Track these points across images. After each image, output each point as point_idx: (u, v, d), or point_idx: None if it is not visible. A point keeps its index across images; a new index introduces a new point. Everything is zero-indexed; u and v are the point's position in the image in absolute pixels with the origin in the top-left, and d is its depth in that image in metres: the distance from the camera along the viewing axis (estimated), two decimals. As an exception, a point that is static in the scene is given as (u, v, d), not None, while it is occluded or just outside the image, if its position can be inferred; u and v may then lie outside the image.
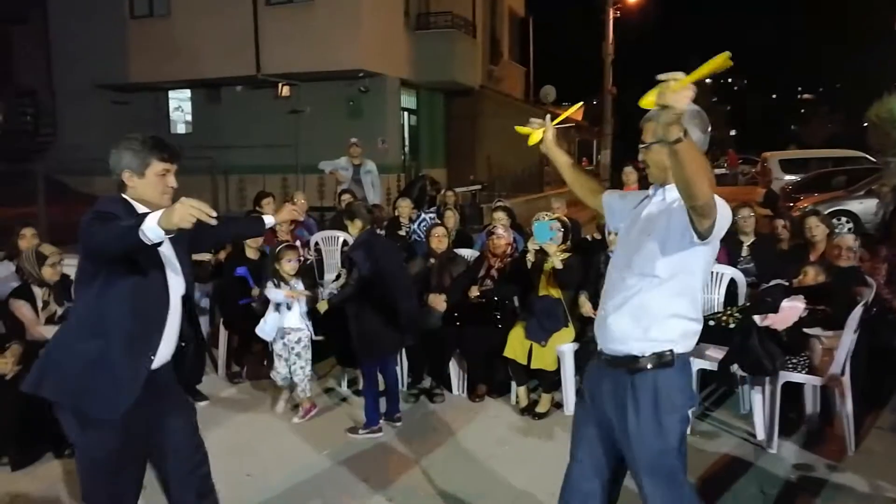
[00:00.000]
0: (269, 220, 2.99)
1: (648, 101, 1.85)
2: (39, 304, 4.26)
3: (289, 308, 4.57)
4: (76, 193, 12.44)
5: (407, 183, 9.87)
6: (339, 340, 4.79)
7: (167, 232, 1.99)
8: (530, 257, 4.72)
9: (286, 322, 4.58)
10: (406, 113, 17.83)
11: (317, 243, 6.99)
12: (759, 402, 4.02)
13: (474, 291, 4.90)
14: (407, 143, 17.97)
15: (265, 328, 4.61)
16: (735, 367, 3.98)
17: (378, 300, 4.23)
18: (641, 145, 2.27)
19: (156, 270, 2.37)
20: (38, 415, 3.90)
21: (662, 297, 2.18)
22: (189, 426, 2.60)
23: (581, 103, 2.86)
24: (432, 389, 4.94)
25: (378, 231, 5.10)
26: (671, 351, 2.20)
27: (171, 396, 2.53)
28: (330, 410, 4.76)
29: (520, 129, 2.71)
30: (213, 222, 2.02)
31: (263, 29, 15.41)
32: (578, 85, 29.43)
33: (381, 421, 4.34)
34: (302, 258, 5.15)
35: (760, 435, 4.02)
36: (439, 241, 5.18)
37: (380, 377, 4.43)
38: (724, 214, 2.05)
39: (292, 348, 4.59)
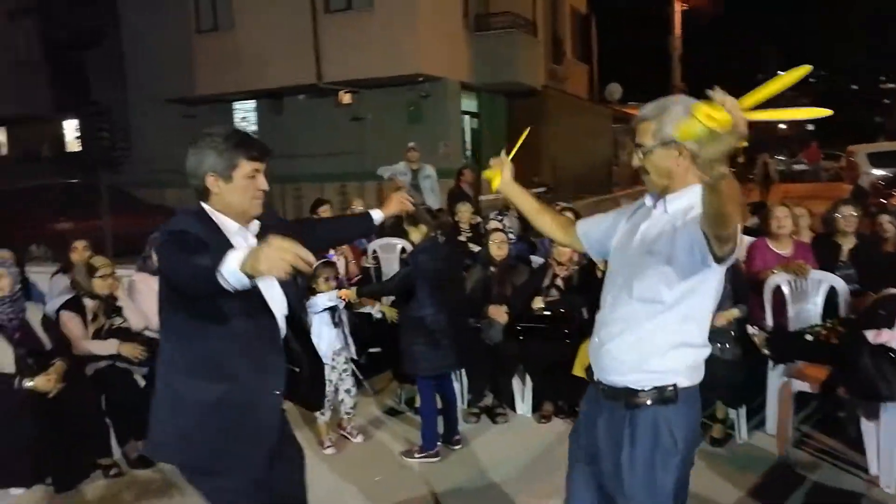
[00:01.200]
0: (377, 214, 2.59)
1: (688, 130, 1.48)
2: (89, 317, 4.17)
3: (335, 323, 4.16)
4: (146, 206, 12.69)
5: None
6: (395, 353, 4.49)
7: (251, 278, 1.64)
8: (601, 265, 4.30)
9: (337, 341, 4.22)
10: (467, 116, 17.55)
11: (374, 251, 6.75)
12: (871, 431, 3.47)
13: (538, 302, 4.52)
14: (469, 146, 17.69)
15: (321, 348, 4.20)
16: (841, 390, 3.47)
17: (430, 314, 3.93)
18: (640, 148, 1.96)
19: (250, 291, 1.92)
20: (84, 434, 3.79)
21: (667, 325, 1.93)
22: (297, 475, 2.31)
23: (528, 128, 2.70)
24: (494, 408, 4.59)
25: (441, 239, 4.75)
26: (674, 386, 1.94)
27: (280, 437, 2.20)
28: (385, 430, 4.47)
29: (486, 174, 2.46)
30: (309, 270, 1.71)
31: (323, 37, 15.44)
32: (645, 81, 28.52)
33: (438, 444, 4.02)
34: (349, 275, 4.88)
35: (874, 469, 3.48)
36: (499, 248, 4.82)
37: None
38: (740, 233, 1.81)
39: (344, 370, 4.24)
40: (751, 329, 4.13)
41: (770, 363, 3.99)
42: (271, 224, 2.17)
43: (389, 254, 6.77)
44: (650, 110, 1.94)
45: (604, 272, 4.23)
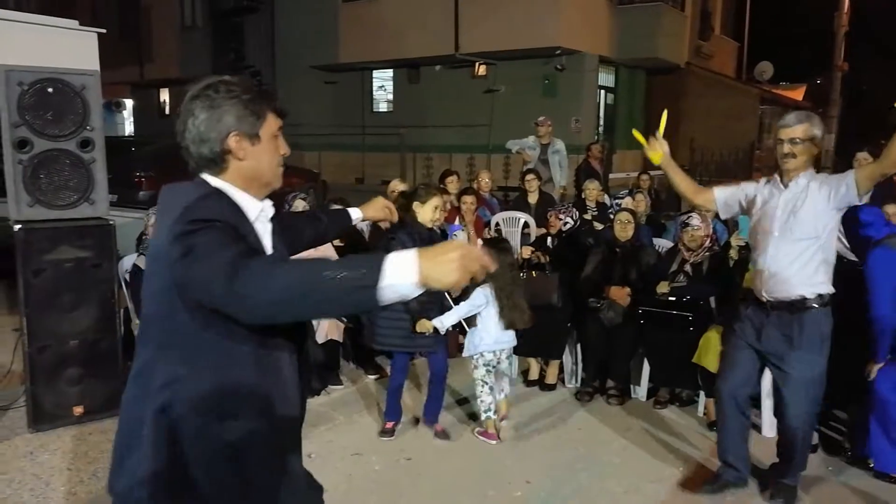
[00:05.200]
0: (355, 214, 2.26)
1: None
2: None
3: None
4: (286, 168, 13.42)
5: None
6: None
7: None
8: (734, 254, 4.12)
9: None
10: (603, 91, 17.10)
11: (497, 224, 6.81)
12: None
13: (664, 287, 4.40)
14: (602, 122, 17.24)
15: (486, 341, 3.88)
16: None
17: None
18: (795, 139, 2.92)
19: None
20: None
21: (821, 251, 2.95)
22: None
23: (665, 112, 3.35)
24: (608, 389, 4.55)
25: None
26: (828, 293, 2.99)
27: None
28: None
29: (649, 154, 3.22)
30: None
31: (464, 7, 15.51)
32: (800, 61, 26.37)
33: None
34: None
35: None
36: (624, 228, 4.72)
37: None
38: None
39: (499, 362, 3.98)
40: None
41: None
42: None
43: (512, 227, 6.81)
44: (799, 117, 2.96)
45: (736, 260, 4.12)
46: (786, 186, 3.03)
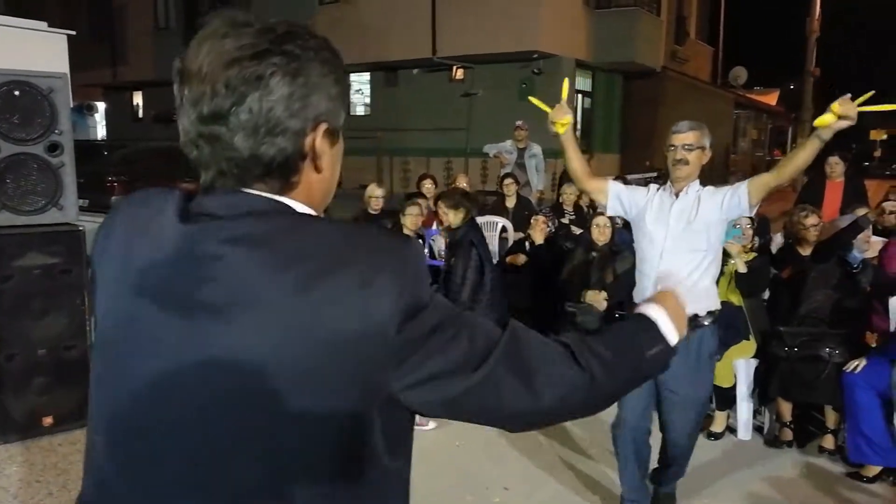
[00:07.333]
0: None
1: (825, 119, 2.46)
2: None
3: None
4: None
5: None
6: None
7: None
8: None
9: None
10: (580, 95, 17.20)
11: (476, 228, 6.79)
12: None
13: (640, 291, 4.42)
14: (579, 126, 17.35)
15: None
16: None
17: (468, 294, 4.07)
18: (690, 146, 2.81)
19: None
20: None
21: (710, 265, 2.85)
22: None
23: (566, 79, 3.34)
24: (586, 393, 4.55)
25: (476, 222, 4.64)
26: (717, 309, 2.92)
27: None
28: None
29: (534, 101, 3.13)
30: None
31: (441, 10, 15.52)
32: (774, 66, 26.84)
33: None
34: None
35: None
36: (601, 232, 4.74)
37: None
38: None
39: None
40: (871, 335, 3.89)
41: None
42: None
43: (490, 231, 6.80)
44: (692, 125, 2.85)
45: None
46: (677, 196, 2.88)
